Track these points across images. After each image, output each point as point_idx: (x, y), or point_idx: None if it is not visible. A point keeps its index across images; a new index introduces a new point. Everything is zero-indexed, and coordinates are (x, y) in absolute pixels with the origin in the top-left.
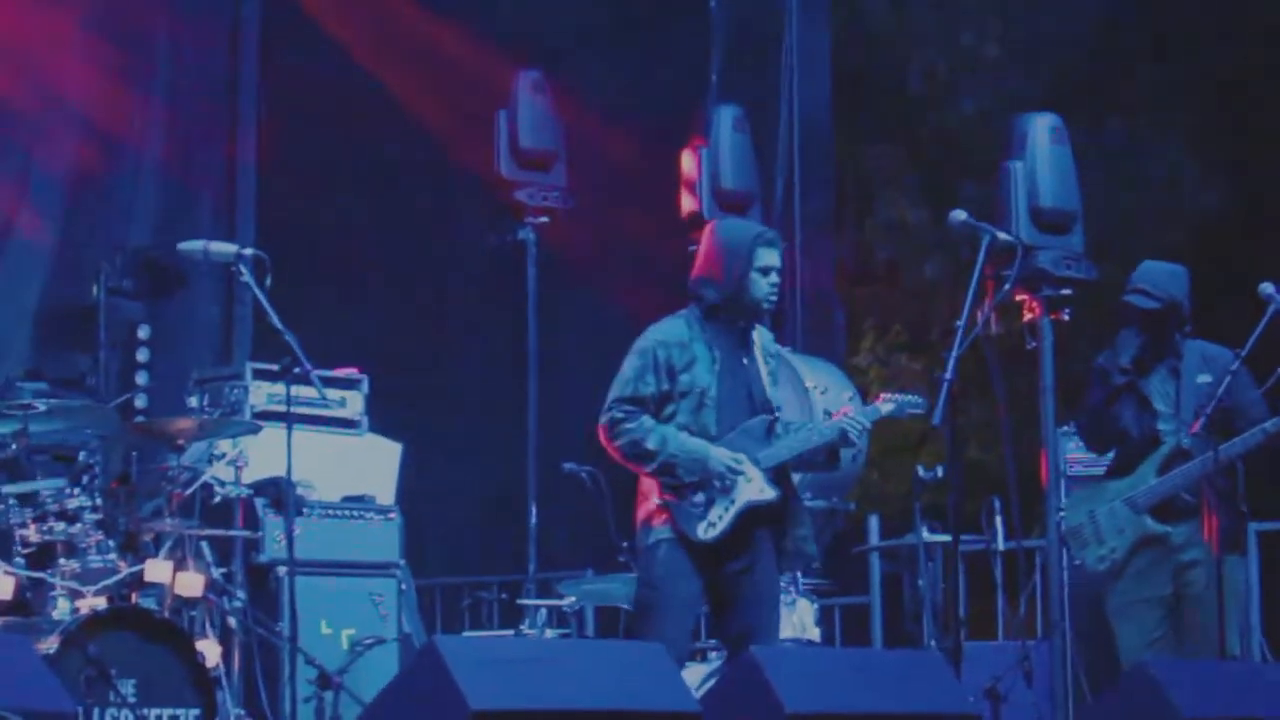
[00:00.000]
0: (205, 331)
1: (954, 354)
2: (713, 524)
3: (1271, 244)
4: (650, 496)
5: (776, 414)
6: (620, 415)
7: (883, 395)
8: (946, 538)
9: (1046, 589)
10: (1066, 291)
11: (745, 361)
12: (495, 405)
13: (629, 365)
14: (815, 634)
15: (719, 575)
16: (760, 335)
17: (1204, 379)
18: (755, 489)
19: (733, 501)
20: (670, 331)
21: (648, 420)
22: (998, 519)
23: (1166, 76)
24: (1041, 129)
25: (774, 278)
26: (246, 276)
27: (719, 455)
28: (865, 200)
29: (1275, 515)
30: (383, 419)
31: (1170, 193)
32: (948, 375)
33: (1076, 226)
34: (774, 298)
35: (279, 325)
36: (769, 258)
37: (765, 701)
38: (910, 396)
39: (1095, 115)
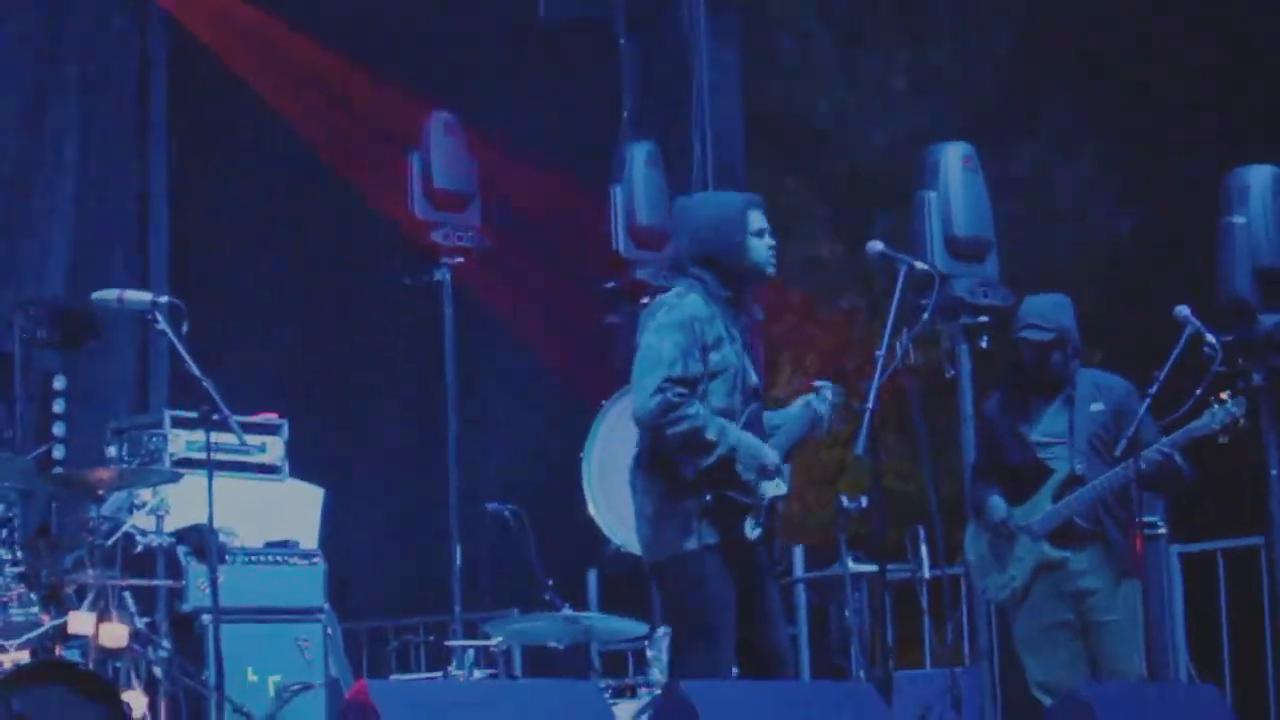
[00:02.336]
0: (122, 381)
1: (875, 383)
2: (758, 524)
3: (1182, 268)
4: (681, 498)
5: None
6: (675, 399)
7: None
8: (871, 567)
9: (973, 615)
10: (983, 319)
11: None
12: (415, 447)
13: (669, 342)
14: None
15: (747, 584)
16: None
17: (1097, 407)
18: (774, 485)
19: (762, 498)
20: (697, 306)
21: (701, 407)
22: (923, 547)
23: (1075, 104)
24: (954, 158)
25: (769, 239)
26: (163, 324)
27: (773, 455)
28: (779, 235)
29: (1196, 538)
30: (304, 464)
31: (1082, 221)
32: (869, 404)
33: (991, 254)
34: (774, 261)
35: (197, 372)
36: (760, 220)
37: None
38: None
39: (1004, 146)
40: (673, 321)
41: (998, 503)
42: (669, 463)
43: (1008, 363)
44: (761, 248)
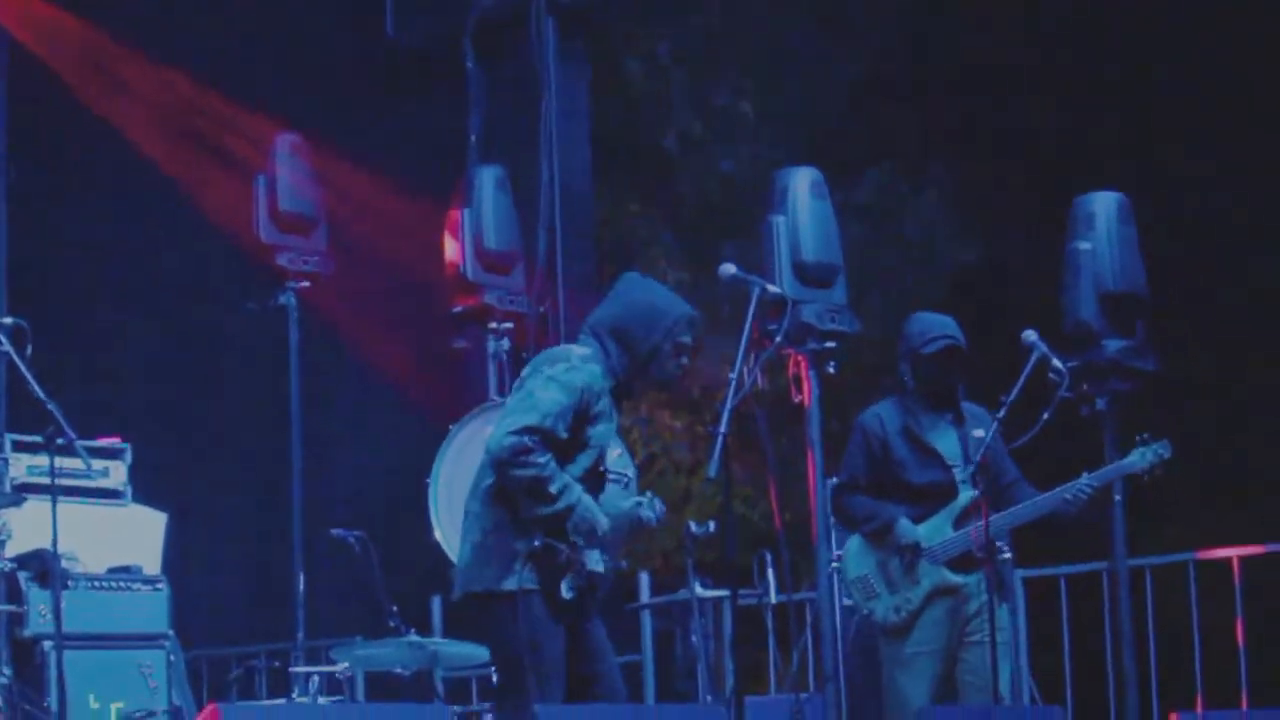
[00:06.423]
0: None
1: (728, 406)
2: (572, 586)
3: (1026, 296)
4: (511, 536)
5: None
6: (531, 445)
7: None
8: (722, 593)
9: (819, 641)
10: (831, 345)
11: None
12: (260, 472)
13: (551, 398)
14: None
15: (570, 622)
16: None
17: (978, 433)
18: (595, 558)
19: (583, 563)
20: (595, 377)
21: (554, 462)
22: (769, 572)
23: (921, 134)
24: (802, 183)
25: (684, 360)
26: (6, 345)
27: (605, 523)
28: (626, 262)
29: (1039, 563)
30: (147, 489)
31: (927, 248)
32: (722, 429)
33: (839, 280)
34: (677, 377)
35: (41, 394)
36: (687, 339)
37: None
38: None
39: (850, 173)
40: (566, 381)
41: (909, 526)
42: (510, 499)
43: (903, 377)
44: (671, 365)
